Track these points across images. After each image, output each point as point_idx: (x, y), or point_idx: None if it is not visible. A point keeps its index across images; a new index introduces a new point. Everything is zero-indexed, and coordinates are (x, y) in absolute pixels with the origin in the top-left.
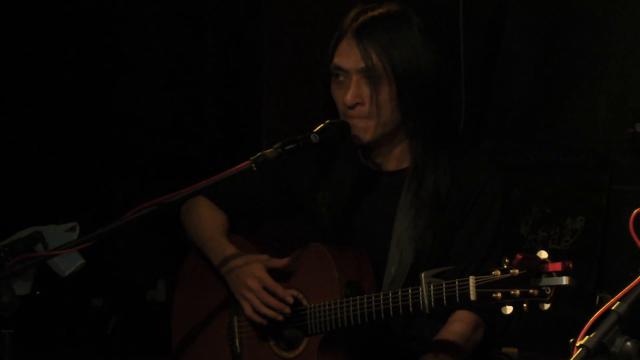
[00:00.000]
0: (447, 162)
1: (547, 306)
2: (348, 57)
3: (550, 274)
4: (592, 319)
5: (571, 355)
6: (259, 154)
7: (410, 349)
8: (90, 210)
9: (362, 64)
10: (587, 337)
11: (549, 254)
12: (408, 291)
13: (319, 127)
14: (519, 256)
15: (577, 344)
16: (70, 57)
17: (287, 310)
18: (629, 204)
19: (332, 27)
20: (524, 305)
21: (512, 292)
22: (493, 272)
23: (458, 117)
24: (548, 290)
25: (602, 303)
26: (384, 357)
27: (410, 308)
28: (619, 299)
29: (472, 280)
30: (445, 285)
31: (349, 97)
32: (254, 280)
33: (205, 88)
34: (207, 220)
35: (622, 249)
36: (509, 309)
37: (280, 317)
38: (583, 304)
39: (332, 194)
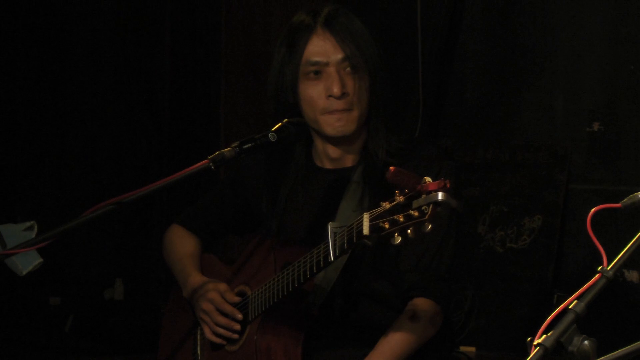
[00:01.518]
0: (398, 153)
1: (428, 226)
2: (324, 49)
3: (429, 193)
4: (549, 318)
5: (529, 354)
6: (217, 152)
7: (354, 333)
8: (48, 208)
9: (341, 54)
10: (544, 335)
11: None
12: (321, 247)
13: (277, 126)
14: (392, 168)
15: (535, 343)
16: (21, 53)
17: (237, 327)
18: (586, 203)
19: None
20: (409, 231)
21: (397, 217)
22: (382, 204)
23: (415, 116)
24: (427, 209)
25: (559, 302)
26: (327, 338)
27: (322, 262)
28: (577, 298)
29: (365, 216)
30: (346, 228)
31: (335, 89)
32: (208, 303)
33: (162, 87)
34: (176, 247)
35: (579, 247)
36: (397, 239)
37: (235, 336)
38: (541, 302)
39: (285, 196)
